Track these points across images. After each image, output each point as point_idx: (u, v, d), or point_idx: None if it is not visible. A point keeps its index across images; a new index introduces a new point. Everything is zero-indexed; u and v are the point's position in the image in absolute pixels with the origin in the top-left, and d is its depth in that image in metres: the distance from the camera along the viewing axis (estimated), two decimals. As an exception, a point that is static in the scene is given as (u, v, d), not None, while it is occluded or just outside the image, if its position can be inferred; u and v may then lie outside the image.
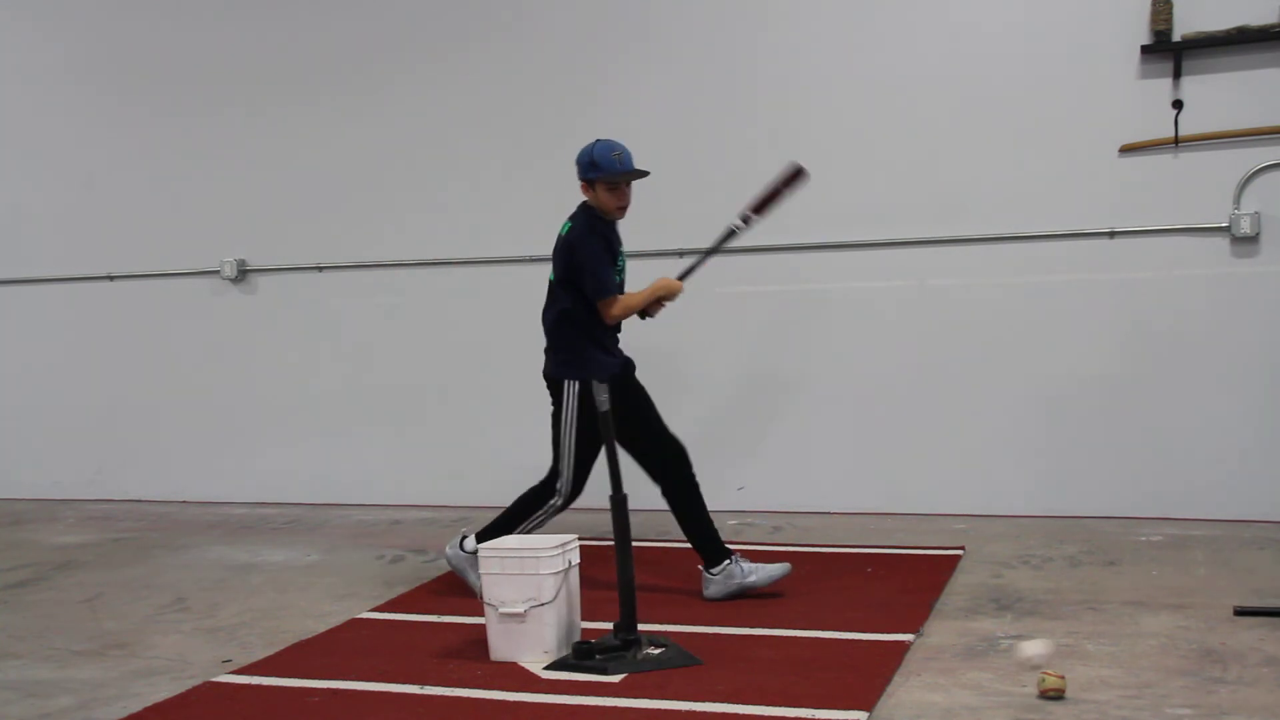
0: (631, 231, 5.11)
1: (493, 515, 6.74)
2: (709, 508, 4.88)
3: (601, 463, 4.44)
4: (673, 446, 4.84)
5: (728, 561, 4.81)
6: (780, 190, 5.00)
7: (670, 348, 6.29)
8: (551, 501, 4.90)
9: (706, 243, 5.03)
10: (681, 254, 6.10)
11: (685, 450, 4.86)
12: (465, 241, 7.04)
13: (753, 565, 4.83)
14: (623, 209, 4.82)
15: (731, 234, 4.97)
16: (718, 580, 4.81)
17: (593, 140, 4.82)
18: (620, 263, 4.89)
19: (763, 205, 4.99)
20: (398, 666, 4.08)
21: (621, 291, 4.87)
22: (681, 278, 4.92)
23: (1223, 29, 5.79)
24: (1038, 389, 6.20)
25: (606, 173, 4.74)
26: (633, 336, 5.02)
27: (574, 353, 4.82)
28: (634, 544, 4.19)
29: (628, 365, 4.90)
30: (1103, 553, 5.39)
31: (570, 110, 6.80)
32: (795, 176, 4.98)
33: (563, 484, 4.87)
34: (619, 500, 4.15)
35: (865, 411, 6.46)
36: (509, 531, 4.86)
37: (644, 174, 4.82)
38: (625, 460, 4.43)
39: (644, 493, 4.78)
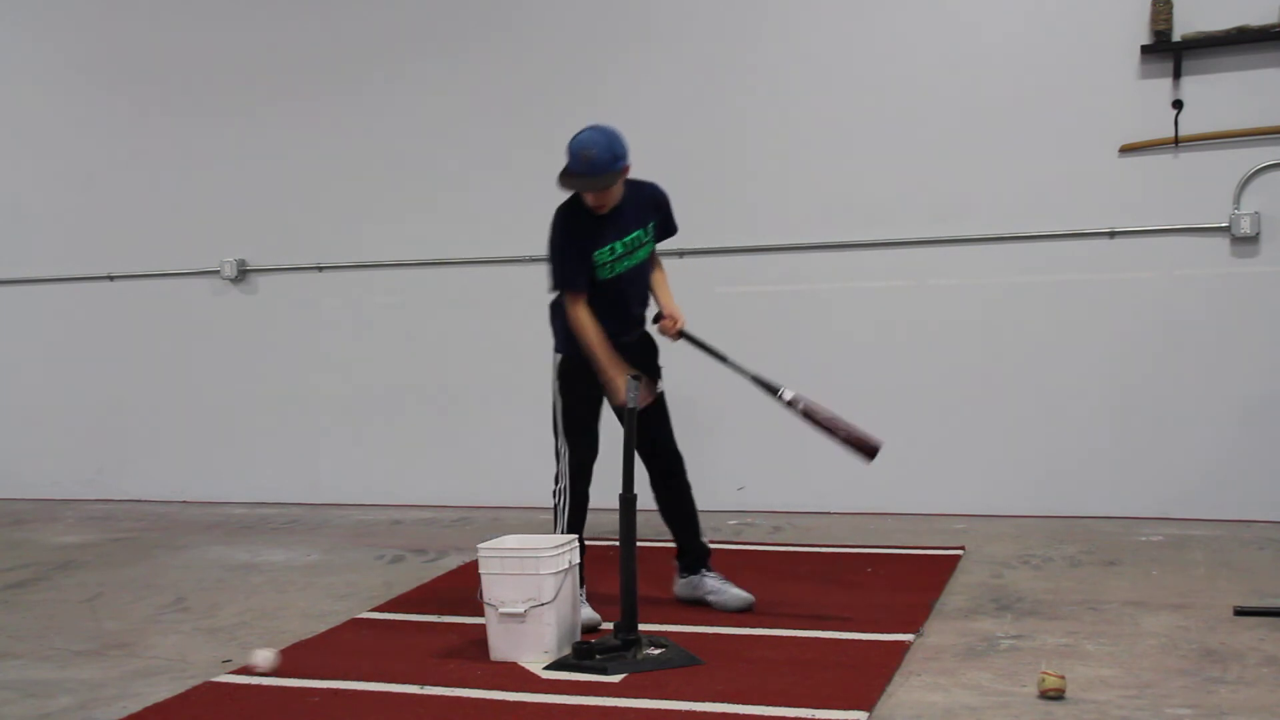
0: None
1: (493, 514, 6.80)
2: (708, 508, 4.84)
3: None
4: (654, 459, 4.67)
5: (688, 575, 4.76)
6: (843, 437, 4.49)
7: (669, 347, 6.28)
8: (557, 486, 4.54)
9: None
10: (682, 254, 6.11)
11: (666, 467, 4.68)
12: (465, 241, 7.03)
13: (719, 586, 4.71)
14: (597, 207, 4.37)
15: (767, 387, 4.53)
16: (681, 584, 4.81)
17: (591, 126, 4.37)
18: (612, 252, 4.43)
19: (818, 420, 4.52)
20: (398, 666, 4.07)
21: (614, 275, 4.43)
22: (644, 379, 4.34)
23: (1223, 29, 5.79)
24: (1037, 389, 6.20)
25: (564, 169, 4.31)
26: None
27: (558, 325, 4.57)
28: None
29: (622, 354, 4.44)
30: (1103, 553, 5.39)
31: (570, 110, 6.76)
32: (865, 449, 4.49)
33: (562, 463, 4.52)
34: (628, 500, 4.12)
35: (865, 411, 6.38)
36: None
37: (580, 188, 4.29)
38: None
39: (648, 493, 4.77)
